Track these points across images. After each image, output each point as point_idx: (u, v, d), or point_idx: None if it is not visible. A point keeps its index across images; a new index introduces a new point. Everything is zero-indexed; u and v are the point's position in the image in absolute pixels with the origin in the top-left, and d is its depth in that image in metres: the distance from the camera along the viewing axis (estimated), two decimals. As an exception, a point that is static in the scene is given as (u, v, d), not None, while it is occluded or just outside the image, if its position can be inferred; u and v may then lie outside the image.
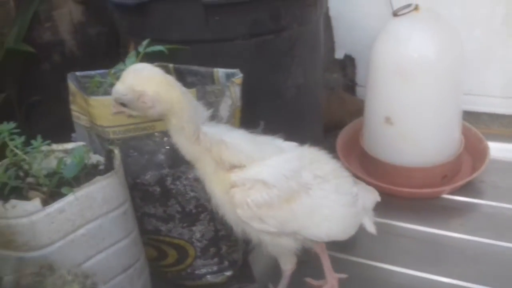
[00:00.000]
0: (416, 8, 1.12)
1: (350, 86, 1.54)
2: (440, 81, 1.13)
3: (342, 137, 1.35)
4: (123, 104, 0.71)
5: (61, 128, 1.33)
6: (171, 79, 0.71)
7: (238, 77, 0.91)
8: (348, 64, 1.51)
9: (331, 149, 1.37)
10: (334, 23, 1.46)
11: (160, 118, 0.72)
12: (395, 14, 1.14)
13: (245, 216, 0.75)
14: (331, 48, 1.51)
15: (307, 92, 1.11)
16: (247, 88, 0.94)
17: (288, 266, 0.89)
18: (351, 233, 0.86)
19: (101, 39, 1.45)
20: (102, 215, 0.72)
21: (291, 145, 0.83)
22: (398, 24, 1.13)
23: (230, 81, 0.89)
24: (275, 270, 1.03)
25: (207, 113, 0.75)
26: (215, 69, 0.96)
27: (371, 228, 0.88)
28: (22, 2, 1.29)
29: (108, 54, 1.42)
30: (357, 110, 1.45)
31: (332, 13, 1.45)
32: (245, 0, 0.94)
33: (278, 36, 1.01)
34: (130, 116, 0.73)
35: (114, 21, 1.15)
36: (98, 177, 0.72)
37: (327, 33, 1.50)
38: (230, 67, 0.94)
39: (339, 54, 1.50)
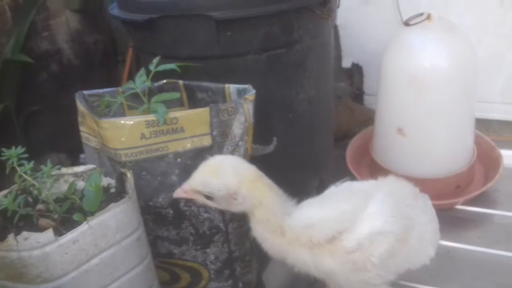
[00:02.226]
0: (429, 17, 1.08)
1: (357, 94, 1.51)
2: (454, 90, 1.09)
3: (351, 147, 1.31)
4: (207, 196, 0.68)
5: (59, 137, 1.30)
6: (263, 176, 0.69)
7: (251, 93, 0.87)
8: (355, 72, 1.48)
9: (341, 159, 1.34)
10: (341, 31, 1.43)
11: (241, 211, 0.70)
12: (407, 23, 1.10)
13: (371, 276, 0.70)
14: (338, 57, 1.47)
15: (319, 105, 1.08)
16: (259, 103, 0.90)
17: None
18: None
19: (98, 48, 1.43)
20: (116, 243, 0.68)
21: (369, 184, 0.78)
22: (410, 34, 1.10)
23: (243, 98, 0.85)
24: (290, 289, 1.00)
25: (292, 203, 0.70)
26: (226, 85, 0.92)
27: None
28: (19, 12, 1.25)
29: (106, 62, 1.39)
30: (366, 119, 1.41)
31: (339, 21, 1.41)
32: (257, 14, 0.90)
33: (290, 49, 0.97)
34: (205, 204, 0.70)
35: (113, 29, 1.10)
36: (112, 204, 0.68)
37: (334, 42, 1.47)
38: (242, 82, 0.91)
39: (346, 63, 1.47)
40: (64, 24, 1.35)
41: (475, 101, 1.16)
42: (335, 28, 1.42)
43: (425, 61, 1.07)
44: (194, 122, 0.81)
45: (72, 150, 1.27)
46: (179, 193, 0.69)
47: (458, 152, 1.16)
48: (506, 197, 1.22)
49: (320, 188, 1.14)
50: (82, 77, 1.38)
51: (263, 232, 0.69)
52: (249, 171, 0.68)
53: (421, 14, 1.09)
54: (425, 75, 1.07)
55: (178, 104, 0.97)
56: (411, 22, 1.09)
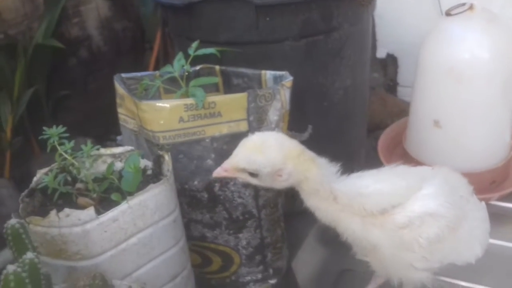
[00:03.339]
0: (471, 7, 1.04)
1: (391, 86, 1.47)
2: (493, 83, 1.04)
3: (383, 138, 1.28)
4: (251, 174, 0.65)
5: (87, 122, 1.30)
6: (305, 150, 0.67)
7: (289, 80, 0.85)
8: (389, 63, 1.44)
9: (372, 150, 1.31)
10: (377, 20, 1.39)
11: (286, 187, 0.68)
12: (448, 13, 1.06)
13: (416, 258, 0.69)
14: (373, 47, 1.43)
15: (354, 94, 1.05)
16: (294, 90, 0.89)
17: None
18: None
19: (126, 35, 1.42)
20: (154, 223, 0.68)
21: (424, 169, 0.77)
22: (451, 24, 1.06)
23: (280, 84, 0.84)
24: (319, 277, 0.98)
25: (335, 169, 0.69)
26: (263, 71, 0.91)
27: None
28: (51, -3, 1.26)
29: (134, 49, 1.39)
30: (399, 111, 1.38)
31: (376, 10, 1.37)
32: (297, 0, 0.87)
33: (328, 36, 0.94)
34: (248, 183, 0.67)
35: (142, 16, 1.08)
36: (151, 185, 0.68)
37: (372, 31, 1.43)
38: (279, 69, 0.89)
39: (380, 53, 1.43)
40: (94, 10, 1.35)
41: (514, 94, 1.11)
42: (372, 17, 1.39)
43: (465, 53, 1.03)
44: (231, 107, 0.79)
45: (99, 135, 1.28)
46: (219, 172, 0.66)
47: (494, 147, 1.12)
48: (542, 193, 1.17)
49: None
50: (110, 63, 1.38)
51: (315, 201, 0.68)
52: (293, 146, 0.66)
53: (463, 4, 1.05)
54: (465, 66, 1.03)
55: (213, 89, 0.96)
56: (452, 12, 1.05)
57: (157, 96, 0.91)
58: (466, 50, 1.03)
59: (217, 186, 0.80)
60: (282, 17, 0.89)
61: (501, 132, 1.12)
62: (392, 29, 1.37)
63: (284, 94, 0.85)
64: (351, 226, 0.68)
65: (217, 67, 0.94)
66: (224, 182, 0.81)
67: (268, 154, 0.63)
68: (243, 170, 0.65)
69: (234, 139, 0.80)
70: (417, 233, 0.67)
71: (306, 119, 0.94)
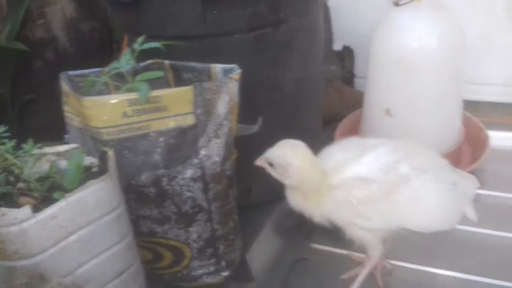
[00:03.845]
0: (418, -3, 1.05)
1: (348, 77, 1.48)
2: (442, 71, 1.06)
3: (340, 129, 1.29)
4: (270, 164, 0.80)
5: (54, 126, 1.27)
6: (315, 159, 0.80)
7: (236, 72, 0.85)
8: (346, 55, 1.45)
9: (329, 141, 1.32)
10: (332, 13, 1.40)
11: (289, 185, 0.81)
12: (396, 3, 1.07)
13: (350, 216, 0.78)
14: (329, 40, 1.44)
15: (306, 86, 1.05)
16: (245, 83, 0.88)
17: (377, 252, 0.86)
18: (455, 222, 0.83)
19: (94, 35, 1.40)
20: (95, 220, 0.67)
21: (382, 141, 0.84)
22: (400, 14, 1.07)
23: (228, 77, 0.83)
24: (273, 267, 0.99)
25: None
26: (212, 65, 0.90)
27: (473, 216, 0.84)
28: (14, -1, 1.23)
29: (101, 50, 1.36)
30: (356, 102, 1.39)
31: (330, 3, 1.38)
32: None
33: (277, 29, 0.94)
34: (269, 173, 0.81)
35: (109, 16, 1.08)
36: (91, 181, 0.66)
37: (325, 24, 1.44)
38: (228, 62, 0.88)
39: (337, 46, 1.44)
40: (59, 11, 1.32)
41: (463, 82, 1.13)
42: (326, 10, 1.39)
43: (413, 42, 1.04)
44: (177, 100, 0.78)
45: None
46: (257, 161, 0.82)
47: (445, 133, 1.14)
48: (492, 177, 1.20)
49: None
50: (78, 65, 1.35)
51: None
52: (306, 152, 0.79)
53: (411, -5, 1.06)
54: (413, 56, 1.04)
55: (164, 84, 0.95)
56: (400, 2, 1.06)
57: (106, 93, 0.89)
58: (414, 39, 1.04)
59: (164, 180, 0.79)
60: (229, 11, 0.89)
61: (451, 119, 1.14)
62: (347, 21, 1.37)
63: (232, 87, 0.85)
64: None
65: (167, 62, 0.93)
66: (172, 176, 0.80)
67: (282, 149, 0.79)
68: (267, 160, 0.80)
69: (181, 133, 0.79)
70: (349, 194, 0.77)
71: (258, 111, 0.94)
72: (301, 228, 1.08)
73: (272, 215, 1.09)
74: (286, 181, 0.80)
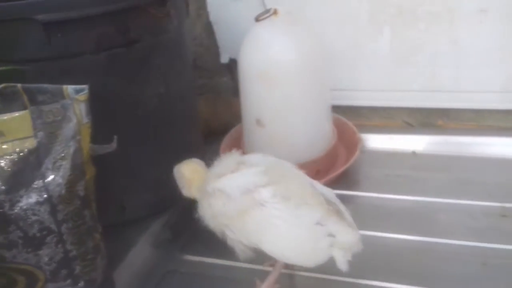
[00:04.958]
0: (275, 12, 1.09)
1: (238, 89, 1.51)
2: (303, 81, 1.11)
3: (226, 141, 1.31)
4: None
5: None
6: (204, 172, 0.88)
7: (82, 93, 0.85)
8: (234, 67, 1.48)
9: (216, 153, 1.34)
10: (215, 28, 1.42)
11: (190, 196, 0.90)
12: (257, 19, 1.11)
13: (220, 224, 0.83)
14: (217, 53, 1.47)
15: (172, 101, 1.06)
16: (102, 103, 0.89)
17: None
18: (314, 260, 0.81)
19: None
20: None
21: (261, 161, 0.86)
22: (260, 29, 1.11)
23: (72, 98, 0.83)
24: (142, 282, 0.99)
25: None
26: (64, 86, 0.89)
27: (341, 264, 0.81)
28: None
29: None
30: (243, 112, 1.42)
31: (212, 18, 1.41)
32: (83, 16, 0.87)
33: (130, 48, 0.95)
34: None
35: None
36: None
37: (211, 39, 1.47)
38: (82, 82, 0.88)
39: (224, 59, 1.47)
40: None
41: (328, 88, 1.18)
42: (209, 24, 1.42)
43: (273, 55, 1.08)
44: (14, 125, 0.78)
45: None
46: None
47: (315, 139, 1.18)
48: (365, 178, 1.25)
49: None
50: None
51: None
52: (197, 166, 0.90)
53: (269, 10, 1.10)
54: (274, 68, 1.08)
55: (22, 108, 0.94)
56: (260, 18, 1.10)
57: None
58: (273, 53, 1.08)
59: (6, 206, 0.78)
60: (74, 33, 0.89)
61: (319, 125, 1.19)
62: (230, 34, 1.41)
63: (79, 108, 0.85)
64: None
65: (19, 85, 0.92)
66: (15, 200, 0.79)
67: (180, 165, 0.91)
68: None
69: (22, 158, 0.79)
70: (210, 202, 0.83)
71: (119, 130, 0.94)
72: (176, 241, 1.09)
73: (147, 230, 1.09)
74: (183, 191, 0.90)
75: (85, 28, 0.89)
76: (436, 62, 1.27)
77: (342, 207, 0.85)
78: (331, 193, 0.86)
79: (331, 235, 0.80)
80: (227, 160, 0.87)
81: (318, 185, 0.87)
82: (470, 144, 1.29)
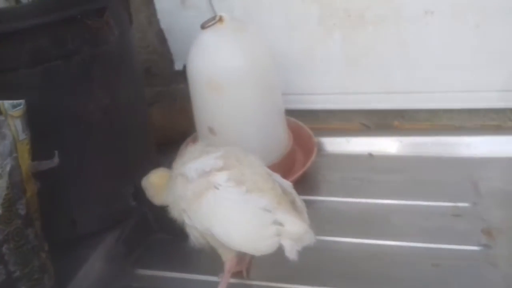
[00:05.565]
0: (221, 19, 1.08)
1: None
2: (251, 87, 1.09)
3: (182, 149, 1.29)
4: None
5: None
6: (167, 181, 0.90)
7: (17, 109, 0.82)
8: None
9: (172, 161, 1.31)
10: (167, 36, 1.41)
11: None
12: (203, 26, 1.09)
13: (177, 213, 0.87)
14: (171, 60, 1.45)
15: (120, 112, 1.04)
16: (42, 118, 0.87)
17: (227, 256, 0.86)
18: (262, 248, 0.81)
19: None
20: None
21: (220, 149, 0.88)
22: (206, 37, 1.09)
23: (6, 115, 0.81)
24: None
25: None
26: (1, 102, 0.87)
27: (290, 253, 0.80)
28: None
29: None
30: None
31: (163, 25, 1.39)
32: (20, 28, 0.85)
33: (68, 61, 0.92)
34: None
35: None
36: None
37: (164, 46, 1.45)
38: (19, 97, 0.85)
39: (178, 66, 1.45)
40: None
41: (279, 93, 1.17)
42: (161, 31, 1.40)
43: (219, 62, 1.07)
44: None
45: None
46: None
47: (269, 145, 1.17)
48: (322, 182, 1.25)
49: (136, 194, 1.12)
50: None
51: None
52: (162, 175, 0.93)
53: (214, 17, 1.08)
54: (221, 75, 1.07)
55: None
56: (206, 25, 1.09)
57: None
58: (220, 60, 1.07)
59: None
60: (6, 46, 0.86)
61: (272, 131, 1.17)
62: (182, 42, 1.38)
63: (14, 124, 0.82)
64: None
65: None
66: None
67: (147, 175, 0.95)
68: None
69: (-49, 179, 0.76)
70: (172, 187, 0.86)
71: (63, 144, 0.92)
72: (129, 255, 1.07)
73: (101, 244, 1.07)
74: (154, 201, 0.93)
75: (17, 41, 0.86)
76: (387, 64, 1.27)
77: (298, 198, 0.85)
78: (288, 184, 0.87)
79: (278, 223, 0.80)
80: (192, 149, 0.91)
81: (276, 176, 0.88)
82: (425, 144, 1.30)
